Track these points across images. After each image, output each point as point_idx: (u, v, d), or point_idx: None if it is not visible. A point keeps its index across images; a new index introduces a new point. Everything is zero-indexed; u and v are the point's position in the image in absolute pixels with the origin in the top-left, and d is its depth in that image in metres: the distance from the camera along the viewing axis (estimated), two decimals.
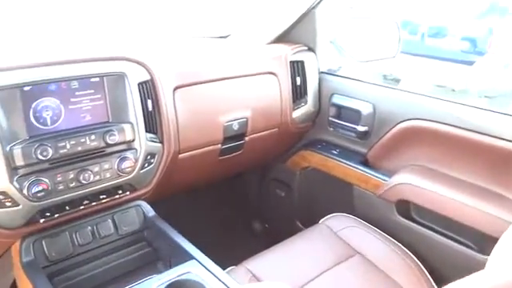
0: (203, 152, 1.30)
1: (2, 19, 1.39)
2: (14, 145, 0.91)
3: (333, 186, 1.57)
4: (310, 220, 1.46)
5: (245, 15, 1.67)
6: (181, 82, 1.20)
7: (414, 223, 1.32)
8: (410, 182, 1.30)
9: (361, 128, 1.45)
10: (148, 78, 1.11)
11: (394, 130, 1.37)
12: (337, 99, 1.54)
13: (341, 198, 1.54)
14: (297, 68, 1.50)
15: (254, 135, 1.43)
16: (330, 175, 1.55)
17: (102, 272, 1.07)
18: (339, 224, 1.36)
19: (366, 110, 1.44)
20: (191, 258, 0.98)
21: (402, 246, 1.26)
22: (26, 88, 0.93)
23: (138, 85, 1.08)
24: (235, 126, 1.34)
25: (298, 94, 1.52)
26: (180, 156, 1.24)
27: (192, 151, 1.27)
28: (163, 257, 1.12)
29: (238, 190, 2.04)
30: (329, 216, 1.42)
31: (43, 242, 1.00)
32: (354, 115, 1.47)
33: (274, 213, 1.92)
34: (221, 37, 1.68)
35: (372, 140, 1.46)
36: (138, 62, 1.09)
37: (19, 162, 0.91)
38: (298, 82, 1.51)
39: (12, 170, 0.91)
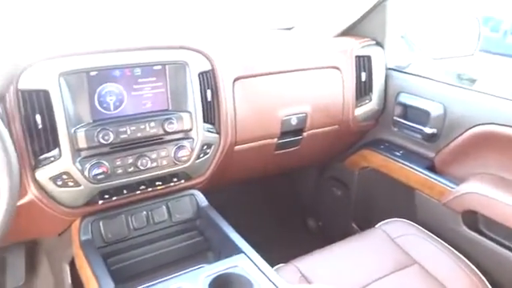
0: (259, 145, 1.29)
1: (71, 6, 1.46)
2: (78, 128, 0.94)
3: (393, 189, 1.49)
4: (367, 222, 1.40)
5: (311, 7, 1.62)
6: (241, 73, 1.19)
7: (482, 236, 1.22)
8: (480, 191, 1.19)
9: (428, 130, 1.36)
10: (209, 68, 1.11)
11: (466, 135, 1.27)
12: (404, 98, 1.45)
13: (401, 202, 1.46)
14: (363, 63, 1.43)
15: (313, 131, 1.38)
16: (391, 177, 1.47)
17: (154, 257, 1.10)
18: (397, 230, 1.29)
19: (435, 111, 1.34)
20: (240, 251, 0.97)
21: (466, 260, 1.17)
22: (93, 73, 0.96)
23: (199, 74, 1.08)
24: (294, 121, 1.31)
25: (362, 90, 1.45)
26: (236, 148, 1.23)
27: (248, 144, 1.26)
28: (213, 247, 1.13)
29: (292, 185, 2.01)
30: (387, 220, 1.34)
31: (101, 223, 1.04)
32: (422, 116, 1.38)
33: (328, 211, 1.87)
34: (285, 28, 1.65)
35: (440, 144, 1.36)
36: (200, 52, 1.10)
37: (82, 144, 0.94)
38: (363, 78, 1.44)
39: (75, 151, 0.94)
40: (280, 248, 1.28)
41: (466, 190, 1.23)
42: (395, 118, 1.48)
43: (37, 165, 0.93)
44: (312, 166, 1.86)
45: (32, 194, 0.95)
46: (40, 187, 0.95)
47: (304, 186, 1.98)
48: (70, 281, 1.23)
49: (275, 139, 1.32)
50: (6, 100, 0.88)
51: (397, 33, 1.50)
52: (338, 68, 1.37)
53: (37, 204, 0.97)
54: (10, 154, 0.71)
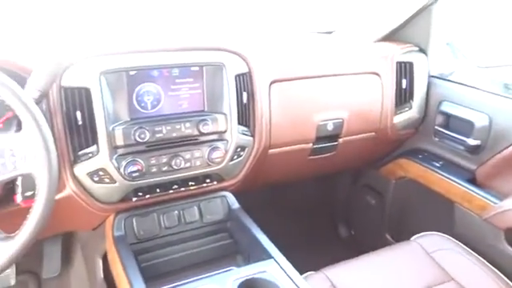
0: (294, 150, 1.27)
1: (112, 7, 1.49)
2: (116, 125, 0.96)
3: (430, 201, 1.44)
4: (401, 234, 1.36)
5: (352, 11, 1.58)
6: (278, 76, 1.18)
7: None
8: None
9: (472, 141, 1.30)
10: (246, 70, 1.11)
11: None
12: (446, 107, 1.39)
13: (438, 215, 1.40)
14: (404, 70, 1.39)
15: (349, 137, 1.36)
16: (429, 189, 1.42)
17: (184, 257, 1.10)
18: (434, 244, 1.24)
19: (480, 121, 1.28)
20: (269, 256, 0.96)
21: (506, 279, 1.11)
22: (132, 72, 0.98)
23: (236, 76, 1.08)
24: (330, 126, 1.29)
25: (403, 97, 1.41)
26: (270, 151, 1.22)
27: (282, 148, 1.24)
28: (243, 250, 1.12)
29: (325, 191, 1.98)
30: (423, 234, 1.30)
31: (133, 220, 1.06)
32: (465, 126, 1.32)
33: (362, 220, 1.83)
34: (325, 32, 1.62)
35: (483, 156, 1.30)
36: (237, 54, 1.10)
37: (119, 141, 0.96)
38: (404, 85, 1.40)
39: (112, 149, 0.96)
40: (310, 255, 1.25)
41: (511, 206, 1.16)
42: (436, 127, 1.43)
43: (76, 160, 0.96)
44: (346, 172, 1.83)
45: (70, 188, 0.98)
46: (78, 182, 0.98)
47: (337, 193, 1.95)
48: (102, 275, 1.25)
49: (310, 144, 1.30)
50: (50, 97, 0.91)
51: (442, 39, 1.45)
52: (377, 74, 1.34)
53: (74, 198, 0.99)
54: (50, 153, 0.74)
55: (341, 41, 1.52)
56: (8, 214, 0.90)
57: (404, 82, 1.40)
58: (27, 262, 1.50)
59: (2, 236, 0.74)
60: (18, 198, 0.88)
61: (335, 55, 1.33)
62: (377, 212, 1.69)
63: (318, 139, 1.30)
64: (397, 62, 1.37)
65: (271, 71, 1.17)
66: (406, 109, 1.43)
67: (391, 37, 1.47)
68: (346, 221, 1.94)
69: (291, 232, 1.60)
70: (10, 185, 0.90)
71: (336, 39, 1.56)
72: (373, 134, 1.40)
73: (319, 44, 1.45)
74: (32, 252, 1.47)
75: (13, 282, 1.30)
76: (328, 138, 1.32)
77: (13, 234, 0.74)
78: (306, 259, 1.10)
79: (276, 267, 0.92)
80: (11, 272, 1.31)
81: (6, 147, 0.73)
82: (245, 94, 1.11)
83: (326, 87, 1.27)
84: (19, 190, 0.87)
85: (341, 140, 1.35)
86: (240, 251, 1.13)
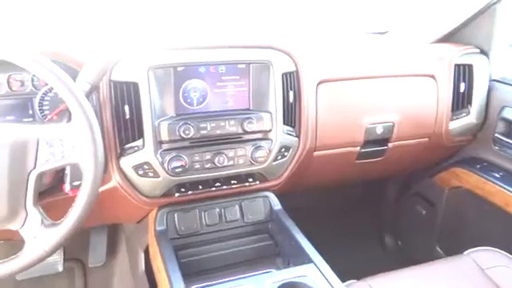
0: (340, 153, 1.23)
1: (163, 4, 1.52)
2: (162, 120, 0.97)
3: (488, 214, 1.34)
4: (453, 248, 1.28)
5: (407, 10, 1.52)
6: (326, 76, 1.15)
7: None
8: None
9: None
10: (293, 69, 1.09)
11: None
12: (509, 113, 1.30)
13: (496, 229, 1.31)
14: (463, 72, 1.31)
15: (400, 142, 1.29)
16: (487, 201, 1.33)
17: (223, 255, 1.10)
18: (490, 260, 1.15)
19: None
20: (310, 261, 0.94)
21: None
22: (180, 68, 0.98)
23: (282, 75, 1.06)
24: (379, 130, 1.23)
25: (460, 102, 1.33)
26: (315, 153, 1.19)
27: (328, 150, 1.21)
28: (283, 253, 1.10)
29: (372, 197, 1.91)
30: (478, 248, 1.21)
31: (175, 215, 1.07)
32: None
33: (410, 231, 1.75)
34: (378, 33, 1.57)
35: None
36: (285, 52, 1.08)
37: (164, 136, 0.97)
38: (462, 89, 1.32)
39: (157, 143, 0.97)
40: (353, 262, 1.21)
41: None
42: (497, 135, 1.33)
43: (122, 153, 0.98)
44: (396, 178, 1.75)
45: (116, 180, 1.00)
46: (123, 175, 1.00)
47: (384, 200, 1.88)
48: (143, 267, 1.27)
49: (358, 148, 1.26)
50: (100, 90, 0.93)
51: (506, 41, 1.35)
52: (433, 76, 1.27)
53: (119, 191, 1.02)
54: (97, 144, 0.75)
55: (394, 41, 1.46)
56: (56, 203, 0.93)
57: (462, 86, 1.31)
58: (74, 250, 1.56)
59: (48, 223, 0.77)
60: (67, 187, 0.90)
61: (388, 56, 1.28)
62: (427, 222, 1.61)
63: (367, 143, 1.25)
64: (455, 65, 1.30)
65: (319, 71, 1.14)
66: (464, 114, 1.34)
67: (449, 38, 1.40)
68: (393, 230, 1.87)
69: (334, 237, 1.55)
70: (60, 174, 0.93)
71: (389, 40, 1.50)
72: (426, 139, 1.33)
73: (371, 44, 1.40)
74: (79, 240, 1.53)
75: (60, 268, 1.36)
76: (377, 142, 1.27)
77: (58, 222, 0.76)
78: (349, 267, 1.06)
79: (316, 272, 0.90)
80: (59, 259, 1.37)
81: (56, 137, 0.75)
82: (291, 93, 1.09)
83: (377, 89, 1.22)
84: (68, 179, 0.90)
85: (391, 145, 1.29)
86: (280, 254, 1.11)
